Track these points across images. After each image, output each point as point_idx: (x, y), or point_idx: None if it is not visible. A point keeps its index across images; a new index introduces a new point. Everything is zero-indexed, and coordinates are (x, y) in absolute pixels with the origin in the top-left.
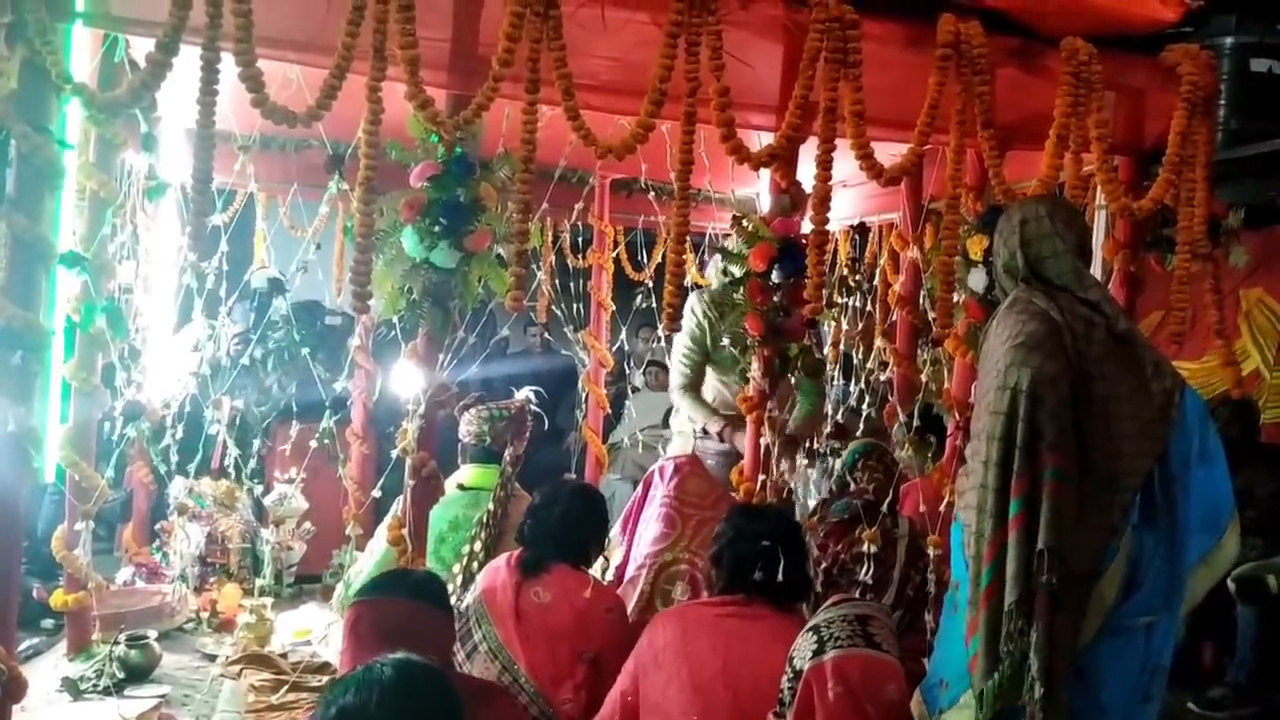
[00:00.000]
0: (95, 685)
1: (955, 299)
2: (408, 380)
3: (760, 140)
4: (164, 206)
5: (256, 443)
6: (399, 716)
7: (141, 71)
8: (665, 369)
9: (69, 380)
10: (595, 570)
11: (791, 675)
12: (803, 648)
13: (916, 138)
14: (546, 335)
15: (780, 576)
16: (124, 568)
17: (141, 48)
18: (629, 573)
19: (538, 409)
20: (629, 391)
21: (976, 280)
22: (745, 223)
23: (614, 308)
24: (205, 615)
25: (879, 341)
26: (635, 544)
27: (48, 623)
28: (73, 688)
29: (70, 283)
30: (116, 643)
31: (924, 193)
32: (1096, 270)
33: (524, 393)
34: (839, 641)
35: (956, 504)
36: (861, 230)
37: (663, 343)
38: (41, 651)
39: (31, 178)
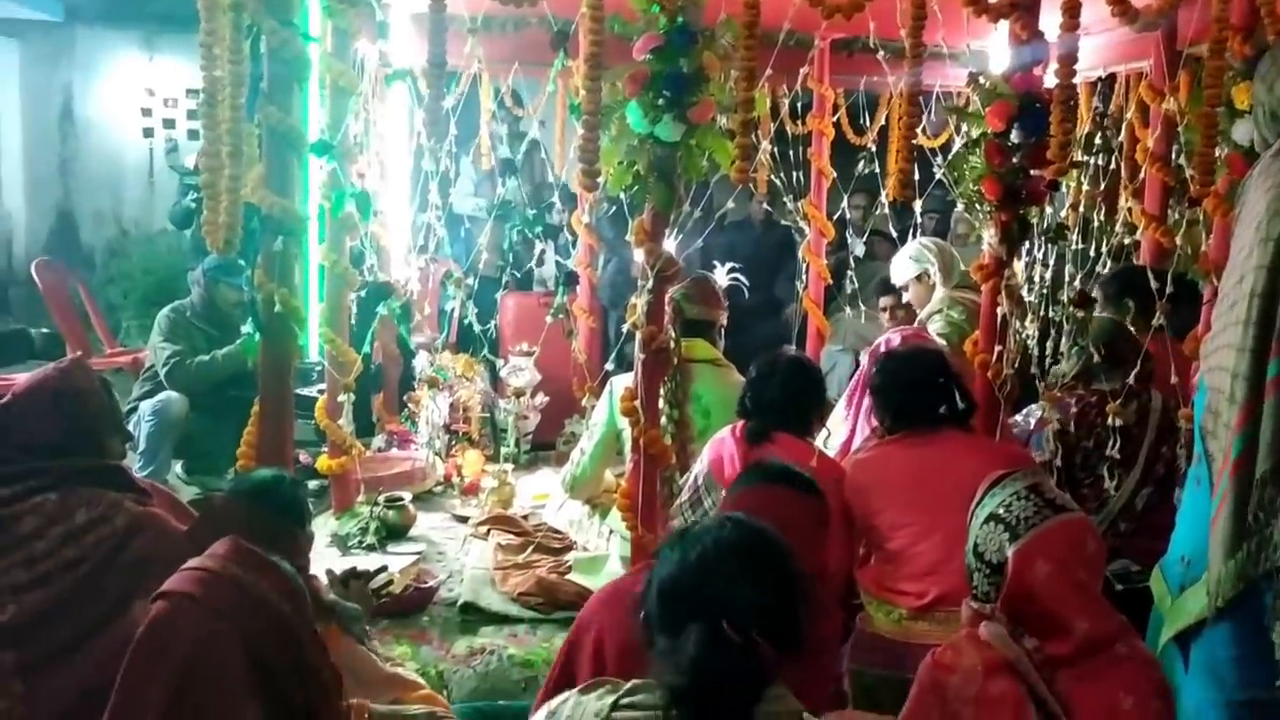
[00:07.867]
0: (360, 542)
1: (1217, 154)
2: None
3: None
4: (394, 93)
5: None
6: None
7: None
8: (888, 238)
9: (322, 263)
10: (819, 441)
11: (988, 570)
12: (993, 539)
13: None
14: (767, 206)
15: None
16: (378, 435)
17: None
18: (855, 446)
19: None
20: (850, 261)
21: (1242, 133)
22: (982, 79)
23: (834, 175)
24: (454, 480)
25: (1126, 202)
26: (861, 418)
27: (313, 484)
28: (341, 543)
29: (319, 171)
30: (376, 504)
31: (1181, 38)
32: None
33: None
34: (1029, 522)
35: (1201, 368)
36: (1107, 82)
37: (886, 209)
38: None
39: (281, 71)
